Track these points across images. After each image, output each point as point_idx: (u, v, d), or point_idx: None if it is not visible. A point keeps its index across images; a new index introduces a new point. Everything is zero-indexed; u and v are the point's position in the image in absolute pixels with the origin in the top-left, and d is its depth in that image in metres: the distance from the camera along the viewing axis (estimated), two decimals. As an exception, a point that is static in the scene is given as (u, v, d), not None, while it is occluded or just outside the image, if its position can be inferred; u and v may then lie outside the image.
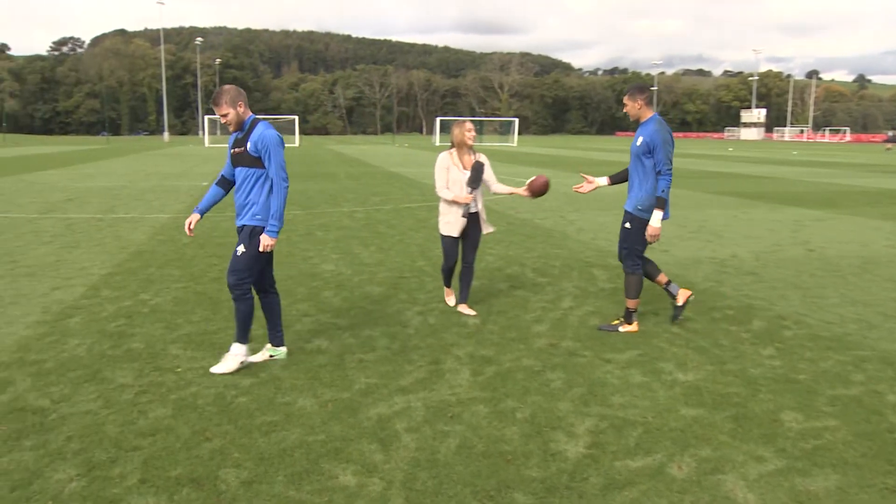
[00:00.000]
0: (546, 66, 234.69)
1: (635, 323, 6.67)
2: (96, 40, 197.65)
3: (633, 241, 6.50)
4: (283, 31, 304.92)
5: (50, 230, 12.75)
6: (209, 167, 33.17)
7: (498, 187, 7.26)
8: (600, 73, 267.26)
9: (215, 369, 5.49)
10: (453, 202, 6.99)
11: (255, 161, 5.42)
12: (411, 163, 37.84)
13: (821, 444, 4.33)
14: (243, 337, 5.60)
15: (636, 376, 5.46)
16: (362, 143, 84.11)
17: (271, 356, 5.85)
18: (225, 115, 5.40)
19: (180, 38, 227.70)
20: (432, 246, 11.13)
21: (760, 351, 6.11)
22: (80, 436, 4.36)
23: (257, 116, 5.58)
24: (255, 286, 5.77)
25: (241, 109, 5.44)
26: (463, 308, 7.31)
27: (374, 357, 5.86)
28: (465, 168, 7.02)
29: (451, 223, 7.05)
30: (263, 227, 5.48)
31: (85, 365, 5.62)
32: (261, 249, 5.45)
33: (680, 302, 6.81)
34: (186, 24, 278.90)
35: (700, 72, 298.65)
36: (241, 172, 5.53)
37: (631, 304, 6.62)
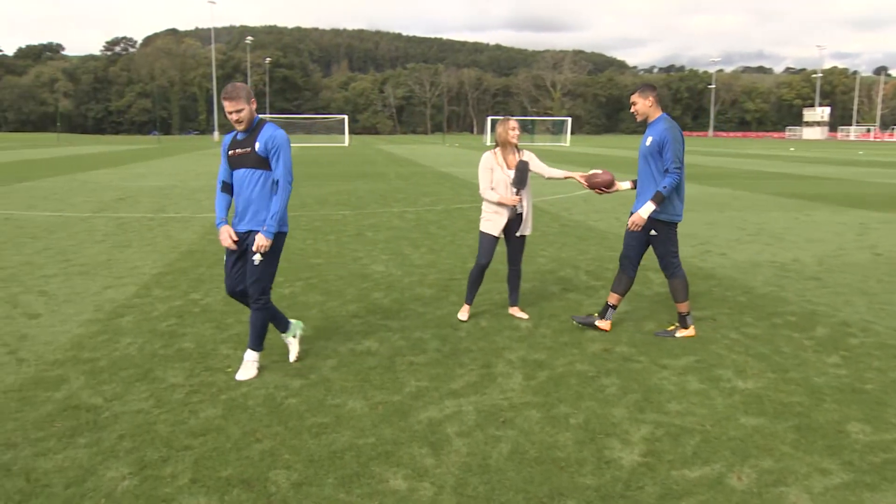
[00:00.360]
0: (600, 65, 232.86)
1: (692, 327, 6.58)
2: (148, 40, 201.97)
3: (664, 245, 6.43)
4: (333, 30, 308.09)
5: (102, 229, 13.06)
6: (259, 167, 33.55)
7: (552, 172, 7.11)
8: (656, 70, 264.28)
9: (239, 376, 5.49)
10: (500, 204, 6.88)
11: (262, 162, 5.33)
12: (462, 163, 37.88)
13: (891, 458, 4.22)
14: (259, 345, 5.62)
15: (693, 383, 5.38)
16: (412, 143, 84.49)
17: (294, 336, 5.93)
18: (240, 111, 5.28)
19: (231, 37, 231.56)
20: (483, 247, 11.11)
21: (824, 359, 5.97)
22: (132, 434, 4.46)
23: (263, 117, 5.59)
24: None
25: (253, 107, 5.40)
26: (515, 311, 7.28)
27: (424, 360, 5.88)
28: (509, 168, 6.92)
29: (492, 221, 6.95)
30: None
31: (137, 364, 5.75)
32: (254, 248, 5.32)
33: (599, 324, 6.74)
34: (237, 24, 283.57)
35: (760, 69, 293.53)
36: (243, 174, 5.40)
37: (682, 307, 6.53)
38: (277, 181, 5.35)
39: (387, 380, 5.42)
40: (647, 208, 6.26)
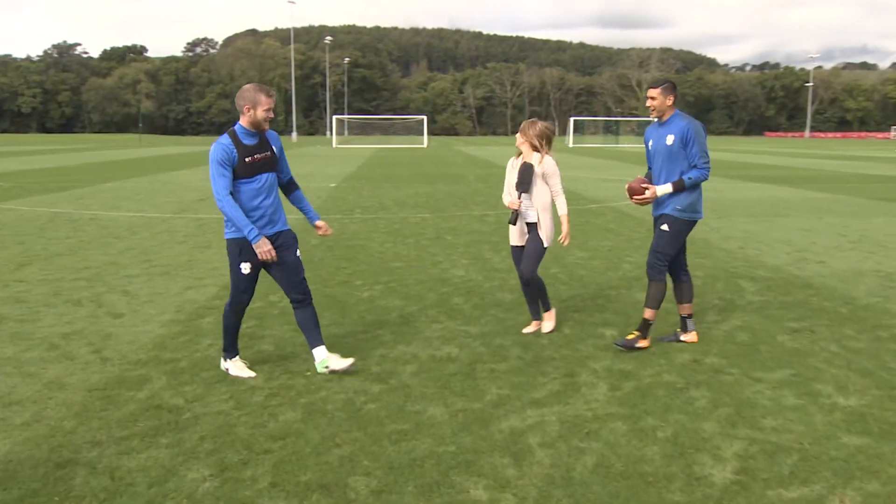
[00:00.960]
0: (689, 63, 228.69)
1: (649, 338, 6.42)
2: (228, 41, 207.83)
3: (668, 244, 6.27)
4: (412, 29, 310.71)
5: (183, 230, 13.48)
6: (337, 168, 34.18)
7: (558, 203, 6.75)
8: (748, 68, 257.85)
9: (336, 366, 5.69)
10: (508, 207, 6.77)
11: (278, 164, 5.68)
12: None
13: None
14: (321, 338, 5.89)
15: (789, 398, 5.23)
16: (492, 144, 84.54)
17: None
18: (273, 111, 5.53)
19: (309, 37, 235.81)
20: (566, 253, 11.05)
21: (936, 376, 5.72)
22: (212, 436, 4.58)
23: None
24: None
25: None
26: (534, 325, 6.94)
27: (506, 367, 5.87)
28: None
29: (511, 231, 6.84)
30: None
31: (217, 365, 5.90)
32: (326, 233, 6.17)
33: (685, 338, 6.56)
34: (316, 24, 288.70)
35: (864, 65, 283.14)
36: (267, 178, 5.53)
37: (651, 315, 6.34)
38: (291, 178, 5.94)
39: (467, 387, 5.44)
40: (665, 188, 6.15)
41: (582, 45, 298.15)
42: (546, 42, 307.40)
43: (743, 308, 7.82)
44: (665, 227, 6.26)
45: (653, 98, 6.24)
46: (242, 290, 5.67)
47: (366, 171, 32.55)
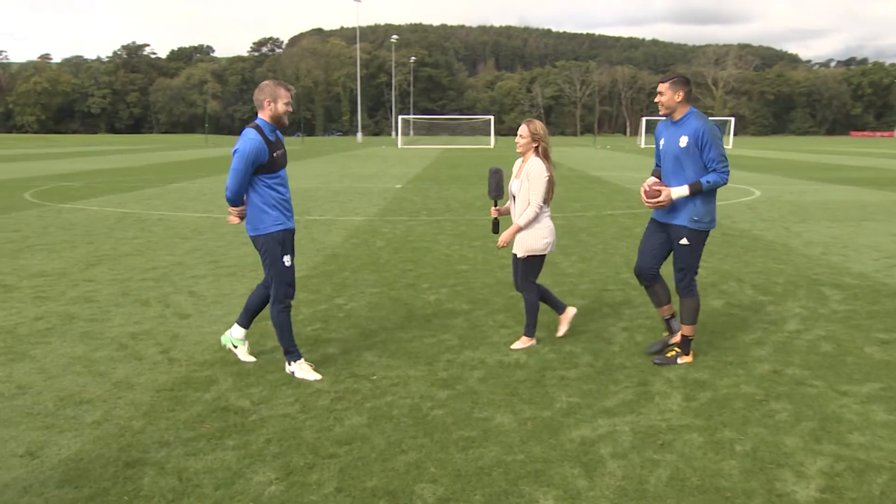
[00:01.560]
0: (768, 59, 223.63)
1: (691, 353, 6.20)
2: (294, 40, 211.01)
3: (691, 257, 6.04)
4: (479, 27, 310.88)
5: (249, 231, 13.70)
6: (402, 169, 34.42)
7: (522, 210, 6.50)
8: (833, 64, 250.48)
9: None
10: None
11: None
12: (614, 166, 37.36)
13: None
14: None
15: (879, 413, 5.07)
16: (561, 145, 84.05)
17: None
18: (291, 105, 5.77)
19: (375, 36, 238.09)
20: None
21: None
22: (278, 439, 4.65)
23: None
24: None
25: None
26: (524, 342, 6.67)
27: (576, 374, 5.83)
28: (516, 177, 6.56)
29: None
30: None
31: (283, 368, 5.99)
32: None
33: (675, 340, 6.31)
34: (382, 22, 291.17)
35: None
36: (285, 173, 5.86)
37: (690, 331, 6.15)
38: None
39: (536, 394, 5.42)
40: (680, 191, 5.85)
41: (655, 42, 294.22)
42: (618, 39, 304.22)
43: (827, 317, 7.61)
44: (685, 241, 6.00)
45: (661, 93, 5.98)
46: (289, 284, 5.83)
47: (432, 171, 32.70)
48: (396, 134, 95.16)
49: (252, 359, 6.19)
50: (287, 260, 5.77)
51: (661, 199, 5.91)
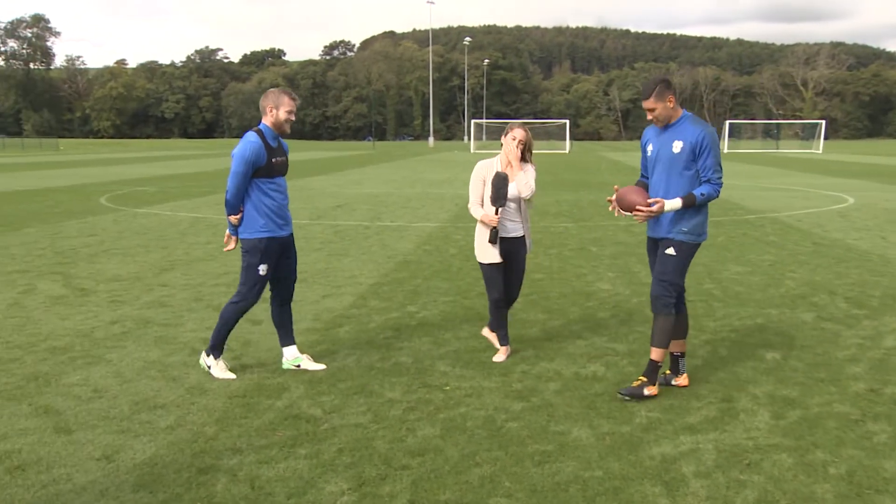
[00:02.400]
0: (864, 58, 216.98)
1: (658, 384, 5.71)
2: (365, 43, 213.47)
3: (677, 271, 5.60)
4: (555, 28, 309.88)
5: (319, 237, 13.92)
6: (474, 174, 34.42)
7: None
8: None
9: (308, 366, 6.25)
10: (481, 222, 6.35)
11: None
12: (695, 171, 36.67)
13: None
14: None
15: None
16: (639, 150, 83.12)
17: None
18: (294, 114, 5.98)
19: (448, 38, 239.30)
20: (720, 268, 10.72)
21: None
22: (350, 449, 4.70)
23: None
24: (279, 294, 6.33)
25: None
26: (504, 352, 6.61)
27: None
28: (511, 181, 6.31)
29: (485, 248, 6.37)
30: None
31: (354, 376, 6.06)
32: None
33: (677, 382, 5.88)
34: (455, 24, 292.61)
35: None
36: (283, 181, 6.09)
37: (658, 355, 5.65)
38: None
39: (615, 408, 5.35)
40: (674, 203, 5.44)
41: (740, 42, 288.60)
42: (700, 39, 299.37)
43: (926, 333, 7.34)
44: (671, 251, 5.60)
45: (652, 110, 5.55)
46: (256, 292, 6.04)
47: (505, 177, 32.59)
48: (469, 138, 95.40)
49: (321, 366, 6.31)
50: (263, 269, 5.99)
51: (653, 210, 5.47)
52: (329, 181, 29.99)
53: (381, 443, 4.78)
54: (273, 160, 5.89)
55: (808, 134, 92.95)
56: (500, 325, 6.60)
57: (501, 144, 6.38)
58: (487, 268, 6.41)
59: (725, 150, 73.94)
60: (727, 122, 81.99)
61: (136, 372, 6.15)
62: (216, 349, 6.09)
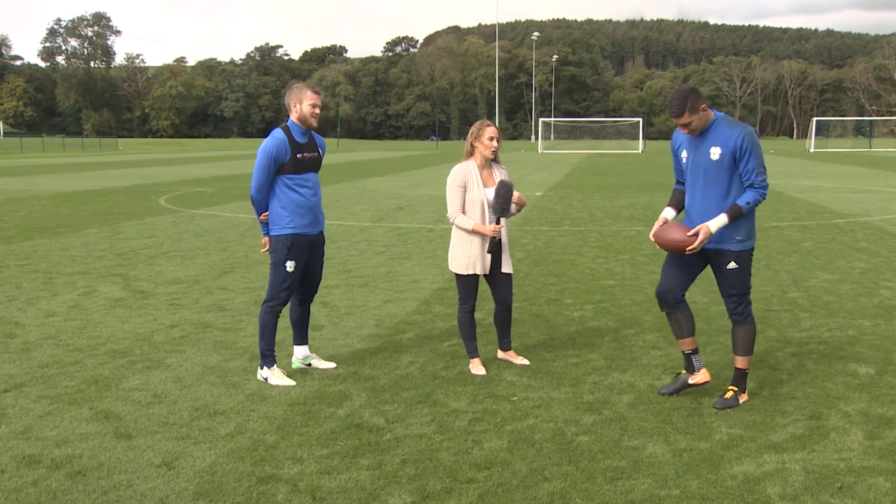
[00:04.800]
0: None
1: (747, 391, 5.74)
2: (429, 39, 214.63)
3: (744, 281, 5.60)
4: (628, 22, 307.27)
5: (381, 239, 14.03)
6: (543, 175, 34.38)
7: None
8: None
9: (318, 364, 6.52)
10: (475, 232, 6.34)
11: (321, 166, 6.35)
12: (778, 173, 36.05)
13: None
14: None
15: None
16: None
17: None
18: (319, 107, 6.14)
19: (515, 33, 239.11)
20: (807, 275, 10.49)
21: None
22: (414, 460, 4.72)
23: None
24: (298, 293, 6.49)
25: None
26: (510, 356, 6.74)
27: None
28: (486, 186, 6.40)
29: (472, 257, 6.38)
30: None
31: (418, 385, 6.09)
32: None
33: (694, 380, 5.75)
34: (522, 18, 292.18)
35: None
36: (313, 177, 6.22)
37: (746, 363, 5.70)
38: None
39: (692, 423, 5.28)
40: (719, 221, 5.34)
41: (830, 33, 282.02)
42: (785, 31, 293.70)
43: None
44: (732, 265, 5.54)
45: (688, 125, 5.47)
46: (284, 289, 6.16)
47: (574, 178, 32.51)
48: (536, 138, 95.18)
49: (332, 364, 6.55)
50: (290, 265, 6.11)
51: (701, 240, 5.39)
52: (391, 182, 30.19)
53: (446, 455, 4.79)
54: (299, 156, 6.04)
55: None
56: (504, 333, 6.69)
57: (471, 146, 6.48)
58: (470, 279, 6.50)
59: (812, 150, 72.40)
60: (814, 119, 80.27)
61: (196, 377, 6.27)
62: (266, 358, 6.21)
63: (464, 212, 6.40)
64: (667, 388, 5.91)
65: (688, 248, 5.44)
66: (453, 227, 6.52)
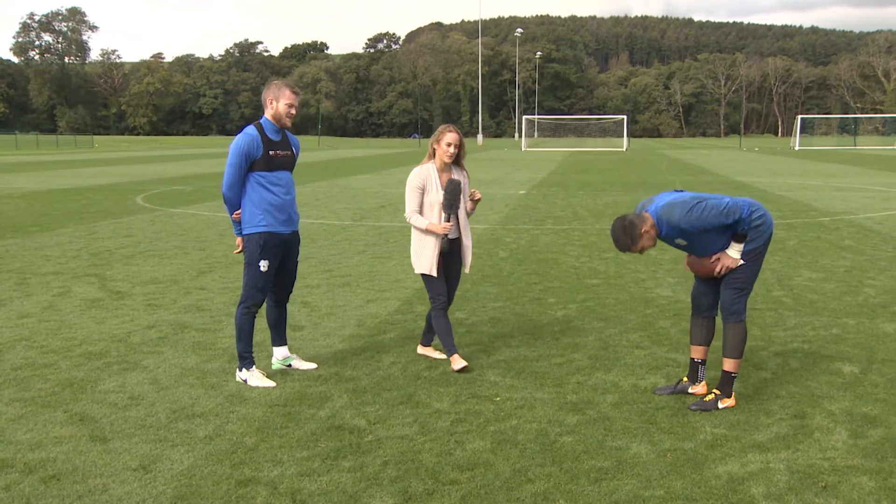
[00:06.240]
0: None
1: (734, 396, 5.70)
2: (411, 35, 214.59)
3: (748, 275, 5.61)
4: (612, 18, 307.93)
5: (363, 238, 14.01)
6: (526, 173, 34.43)
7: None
8: None
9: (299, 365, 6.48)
10: (428, 231, 6.53)
11: (295, 165, 6.36)
12: (763, 171, 36.29)
13: None
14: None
15: None
16: (701, 147, 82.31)
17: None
18: (295, 108, 6.12)
19: (498, 29, 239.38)
20: (792, 273, 10.56)
21: None
22: (396, 462, 4.72)
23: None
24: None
25: None
26: (430, 351, 6.92)
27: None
28: (444, 187, 6.53)
29: (425, 258, 6.60)
30: None
31: (400, 386, 6.09)
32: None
33: (695, 390, 5.84)
34: (506, 15, 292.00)
35: None
36: (286, 176, 6.22)
37: (734, 366, 5.65)
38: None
39: (677, 423, 5.30)
40: (736, 250, 5.51)
41: (814, 30, 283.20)
42: (769, 28, 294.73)
43: None
44: (741, 260, 5.59)
45: (641, 251, 5.56)
46: (259, 289, 6.16)
47: (558, 176, 32.58)
48: (520, 135, 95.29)
49: (312, 365, 6.56)
50: (264, 265, 6.11)
51: (723, 265, 5.54)
52: (372, 180, 30.16)
53: (429, 456, 4.79)
54: (271, 153, 6.04)
55: (890, 129, 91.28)
56: (449, 332, 6.65)
57: (432, 149, 6.59)
58: (430, 279, 6.66)
59: (797, 148, 72.81)
60: (799, 116, 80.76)
61: (174, 379, 6.24)
62: (245, 360, 6.19)
63: (421, 213, 6.57)
64: (664, 389, 5.94)
65: (715, 272, 5.59)
66: (412, 228, 6.68)
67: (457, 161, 6.65)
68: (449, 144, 6.49)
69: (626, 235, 5.45)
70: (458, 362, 6.47)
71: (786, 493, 4.29)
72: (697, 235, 5.45)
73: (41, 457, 4.78)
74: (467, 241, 6.75)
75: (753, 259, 5.60)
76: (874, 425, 5.27)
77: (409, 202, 6.60)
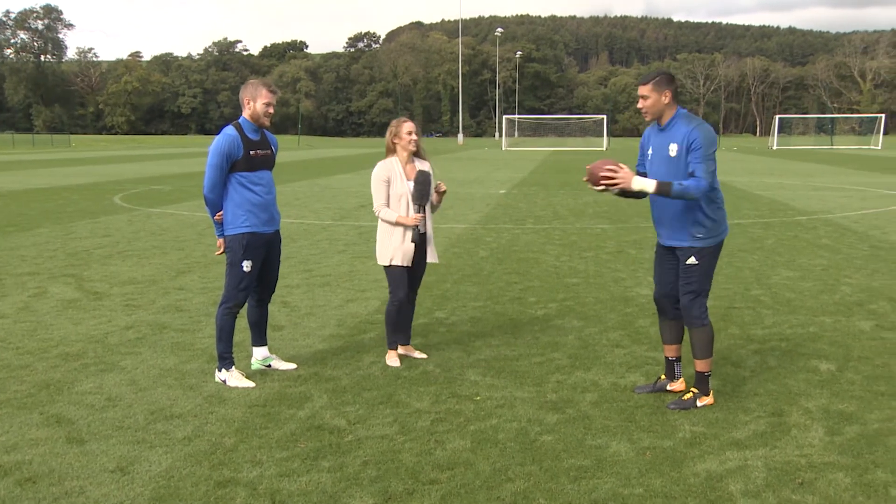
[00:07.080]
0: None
1: (711, 393, 5.74)
2: (392, 35, 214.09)
3: (701, 279, 5.59)
4: (591, 18, 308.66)
5: (343, 238, 13.99)
6: (506, 173, 34.47)
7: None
8: None
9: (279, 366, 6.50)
10: (398, 224, 6.57)
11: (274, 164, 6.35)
12: (741, 170, 36.51)
13: None
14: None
15: None
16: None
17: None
18: (273, 107, 6.14)
19: (479, 29, 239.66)
20: (770, 272, 10.63)
21: None
22: (376, 462, 4.71)
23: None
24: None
25: None
26: (410, 351, 6.94)
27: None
28: (409, 178, 6.62)
29: (398, 250, 6.60)
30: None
31: (380, 385, 6.08)
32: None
33: (673, 387, 5.92)
34: (486, 14, 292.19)
35: None
36: (267, 175, 6.22)
37: (706, 365, 5.68)
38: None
39: (656, 421, 5.33)
40: (644, 183, 5.44)
41: (792, 31, 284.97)
42: (748, 28, 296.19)
43: None
44: (693, 260, 5.58)
45: (644, 97, 5.57)
46: (241, 289, 6.18)
47: (538, 176, 32.64)
48: (500, 135, 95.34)
49: (292, 365, 6.55)
50: (246, 265, 6.12)
51: (619, 175, 5.45)
52: (352, 179, 30.11)
53: (409, 456, 4.79)
54: (252, 153, 6.04)
55: (866, 129, 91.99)
56: (405, 327, 6.86)
57: (392, 143, 6.66)
58: (397, 269, 6.66)
59: (775, 147, 73.31)
60: (777, 116, 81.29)
61: (152, 380, 6.21)
62: (224, 360, 6.18)
63: (388, 206, 6.61)
64: (643, 388, 5.97)
65: (605, 181, 5.51)
66: (379, 221, 6.69)
67: (417, 153, 6.71)
68: (409, 132, 6.58)
69: (658, 75, 5.64)
70: (392, 359, 6.64)
71: (763, 490, 4.32)
72: (682, 160, 5.45)
73: (17, 459, 4.74)
74: (430, 232, 6.79)
75: (705, 260, 5.60)
76: (850, 422, 5.31)
77: (376, 196, 6.65)
